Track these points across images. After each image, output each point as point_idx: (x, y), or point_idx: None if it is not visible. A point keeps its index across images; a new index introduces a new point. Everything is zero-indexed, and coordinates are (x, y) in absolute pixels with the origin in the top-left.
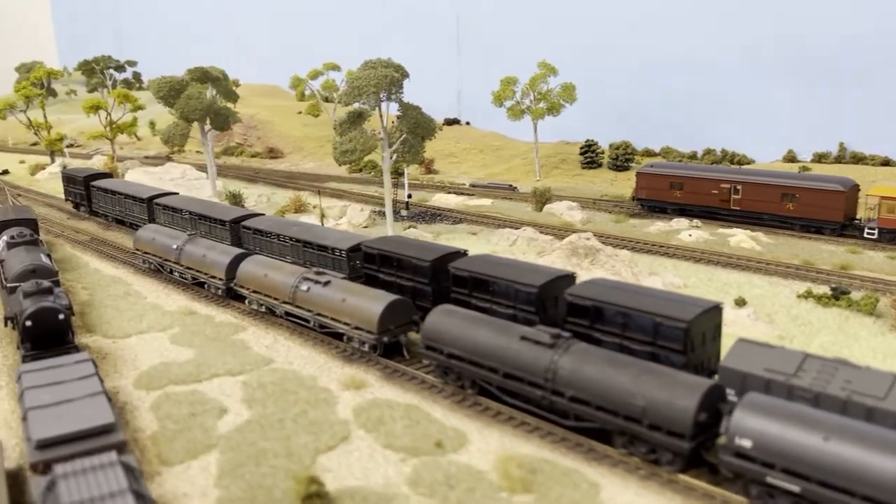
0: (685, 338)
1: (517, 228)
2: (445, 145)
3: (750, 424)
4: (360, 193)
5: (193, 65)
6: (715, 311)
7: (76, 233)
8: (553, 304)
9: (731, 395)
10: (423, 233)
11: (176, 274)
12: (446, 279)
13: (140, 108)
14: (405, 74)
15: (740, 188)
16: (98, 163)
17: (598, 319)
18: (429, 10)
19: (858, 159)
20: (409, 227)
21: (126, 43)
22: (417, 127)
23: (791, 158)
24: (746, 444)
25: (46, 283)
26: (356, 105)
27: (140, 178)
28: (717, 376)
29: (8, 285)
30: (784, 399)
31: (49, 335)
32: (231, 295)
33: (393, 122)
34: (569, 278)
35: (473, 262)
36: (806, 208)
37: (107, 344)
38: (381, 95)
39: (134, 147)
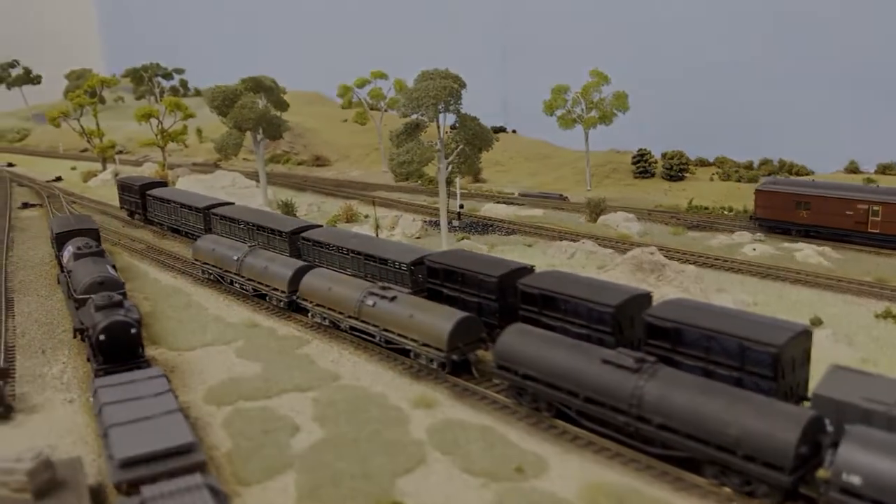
0: (775, 363)
1: (575, 241)
2: (492, 154)
3: (860, 460)
4: (410, 203)
5: (235, 72)
6: (805, 335)
7: (132, 241)
8: (629, 324)
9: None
10: (477, 244)
11: (236, 285)
12: (513, 295)
13: (191, 116)
14: (463, 85)
15: (880, 209)
16: (148, 170)
17: (679, 342)
18: (473, 16)
19: None
20: (462, 239)
21: (170, 50)
22: (475, 138)
23: (853, 170)
24: (856, 480)
25: (117, 296)
26: (413, 116)
27: (191, 185)
28: (806, 404)
29: (77, 297)
30: (885, 431)
31: (121, 349)
32: (293, 307)
33: (447, 133)
34: (645, 297)
35: (543, 278)
36: None
37: (173, 357)
38: (440, 107)
39: (181, 154)
